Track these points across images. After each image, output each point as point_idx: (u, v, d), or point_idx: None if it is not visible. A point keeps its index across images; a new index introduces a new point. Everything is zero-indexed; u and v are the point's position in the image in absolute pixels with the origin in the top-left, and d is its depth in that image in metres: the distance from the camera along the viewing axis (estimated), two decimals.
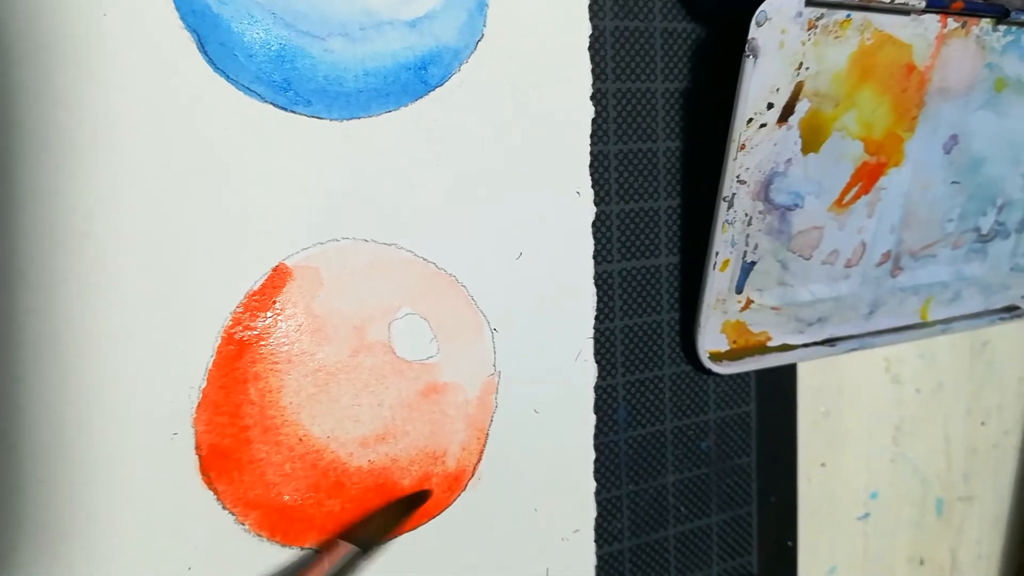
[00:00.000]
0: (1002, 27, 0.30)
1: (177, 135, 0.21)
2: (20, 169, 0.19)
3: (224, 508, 0.22)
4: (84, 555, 0.21)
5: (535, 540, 0.27)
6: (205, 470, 0.22)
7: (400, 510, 0.24)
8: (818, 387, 0.33)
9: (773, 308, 0.30)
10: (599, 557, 0.28)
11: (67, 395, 0.20)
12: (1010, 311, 0.37)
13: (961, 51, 0.30)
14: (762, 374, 0.31)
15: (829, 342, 0.32)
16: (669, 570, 0.30)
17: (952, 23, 0.29)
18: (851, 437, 0.34)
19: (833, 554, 0.34)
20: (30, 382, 0.20)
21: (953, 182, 0.32)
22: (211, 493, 0.22)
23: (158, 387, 0.21)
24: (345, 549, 0.22)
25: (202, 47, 0.21)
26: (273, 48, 0.22)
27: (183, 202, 0.21)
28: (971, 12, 0.29)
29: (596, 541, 0.28)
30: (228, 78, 0.21)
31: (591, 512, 0.27)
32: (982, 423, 0.38)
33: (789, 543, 0.33)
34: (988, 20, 0.30)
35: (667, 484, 0.29)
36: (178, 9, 0.21)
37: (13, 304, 0.19)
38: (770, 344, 0.31)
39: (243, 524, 0.22)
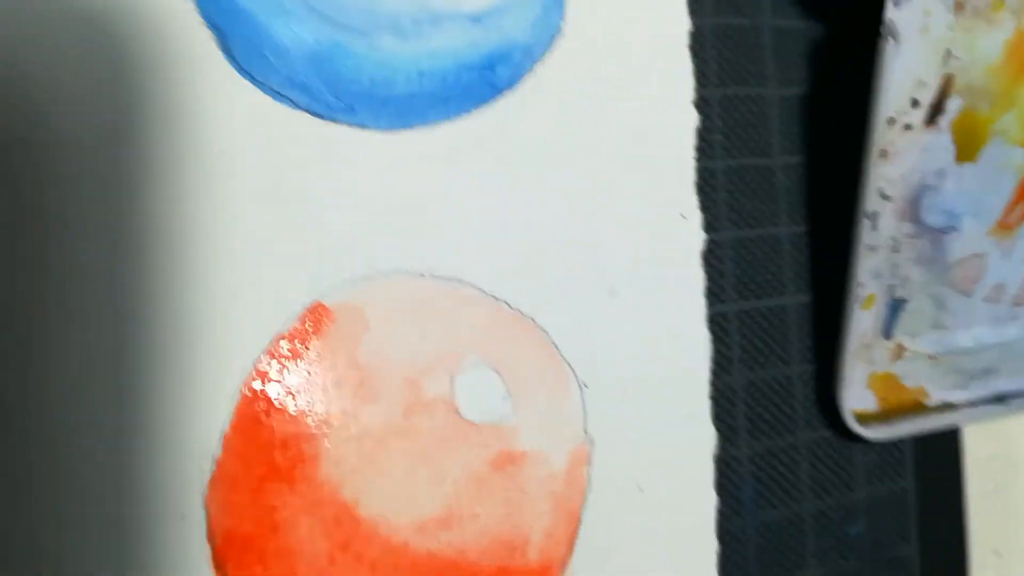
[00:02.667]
0: None
1: (193, 147, 0.17)
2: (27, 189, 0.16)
3: None
4: None
5: None
6: (219, 563, 0.17)
7: None
8: (988, 457, 0.27)
9: (929, 357, 0.25)
10: None
11: (56, 466, 0.16)
12: None
13: None
14: (920, 440, 0.25)
15: (999, 399, 0.26)
16: None
17: None
18: None
19: None
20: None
21: None
22: None
23: (161, 457, 0.17)
24: None
25: (225, 45, 0.18)
26: (309, 45, 0.18)
27: (197, 227, 0.17)
28: None
29: None
30: (255, 81, 0.18)
31: None
32: None
33: None
34: None
35: None
36: (199, 8, 0.17)
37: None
38: (928, 403, 0.25)
39: None
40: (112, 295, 0.17)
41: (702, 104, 0.22)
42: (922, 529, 0.25)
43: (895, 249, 0.23)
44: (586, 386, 0.21)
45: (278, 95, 0.18)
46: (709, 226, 0.22)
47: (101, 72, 0.17)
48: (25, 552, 0.16)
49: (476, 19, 0.20)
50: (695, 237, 0.22)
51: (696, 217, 0.22)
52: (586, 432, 0.20)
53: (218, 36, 0.18)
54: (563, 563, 0.20)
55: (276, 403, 0.18)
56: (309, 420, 0.18)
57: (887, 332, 0.24)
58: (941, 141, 0.23)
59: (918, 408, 0.25)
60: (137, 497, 0.17)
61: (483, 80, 0.20)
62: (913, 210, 0.23)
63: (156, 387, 0.17)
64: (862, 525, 0.24)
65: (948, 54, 0.22)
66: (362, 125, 0.19)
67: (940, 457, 0.26)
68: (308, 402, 0.18)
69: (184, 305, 0.17)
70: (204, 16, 0.18)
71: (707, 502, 0.22)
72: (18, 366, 0.16)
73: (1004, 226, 0.25)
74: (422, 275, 0.19)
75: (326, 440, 0.18)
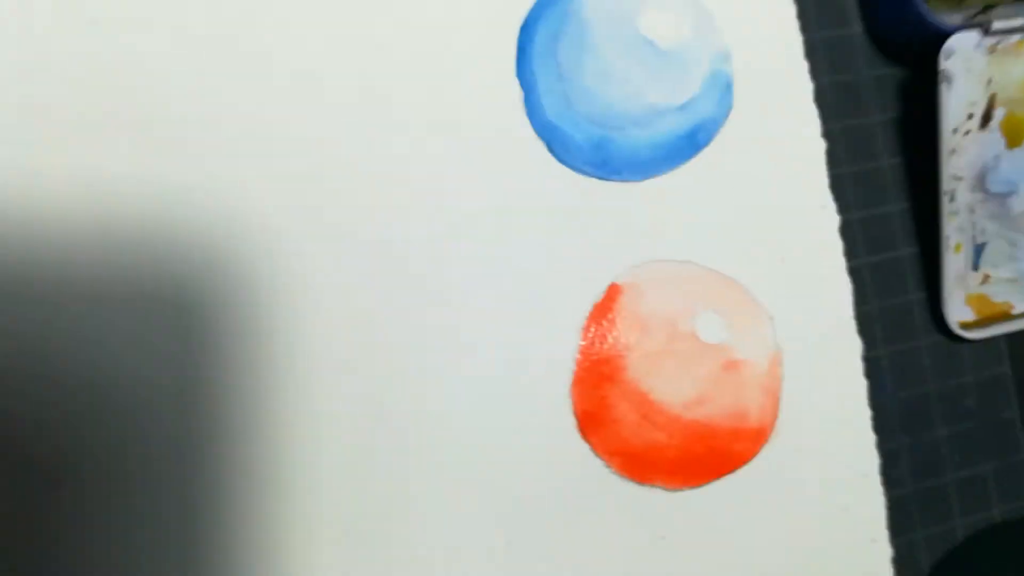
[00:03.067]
0: None
1: (537, 205, 0.32)
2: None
3: (596, 456, 0.32)
4: (494, 492, 0.31)
5: (830, 484, 0.34)
6: (581, 428, 0.32)
7: None
8: None
9: (1009, 280, 0.36)
10: (888, 499, 0.34)
11: (485, 376, 0.31)
12: None
13: None
14: (1013, 337, 0.36)
15: None
16: (953, 512, 0.35)
17: None
18: None
19: None
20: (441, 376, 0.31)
21: None
22: (587, 444, 0.32)
23: (544, 372, 0.31)
24: None
25: (550, 149, 0.32)
26: (593, 141, 0.32)
27: (549, 250, 0.32)
28: None
29: (883, 485, 0.34)
30: (567, 165, 0.32)
31: (875, 459, 0.34)
32: None
33: None
34: None
35: (939, 437, 0.35)
36: (533, 126, 0.32)
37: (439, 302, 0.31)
38: (1014, 312, 0.36)
39: (609, 467, 0.32)
40: (529, 288, 0.31)
41: (827, 133, 0.35)
42: (1020, 399, 0.36)
43: (972, 211, 0.35)
44: (773, 317, 0.34)
45: (580, 170, 0.32)
46: (842, 210, 0.35)
47: (474, 168, 0.32)
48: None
49: (682, 108, 0.33)
50: (832, 219, 0.34)
51: (832, 207, 0.34)
52: (777, 345, 0.34)
53: (547, 144, 0.32)
54: (771, 426, 0.33)
55: (600, 339, 0.32)
56: (619, 347, 0.32)
57: (975, 266, 0.35)
58: (993, 137, 0.34)
59: (1006, 316, 0.36)
60: (534, 392, 0.31)
61: (690, 144, 0.33)
62: (981, 183, 0.35)
63: (543, 331, 0.31)
64: (973, 399, 0.36)
65: (989, 81, 0.34)
66: (625, 180, 0.33)
67: None
68: (616, 337, 0.32)
69: (555, 291, 0.32)
70: (537, 133, 0.32)
71: (860, 386, 0.34)
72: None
73: None
74: (668, 260, 0.33)
75: (629, 358, 0.32)
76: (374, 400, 0.30)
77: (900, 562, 0.34)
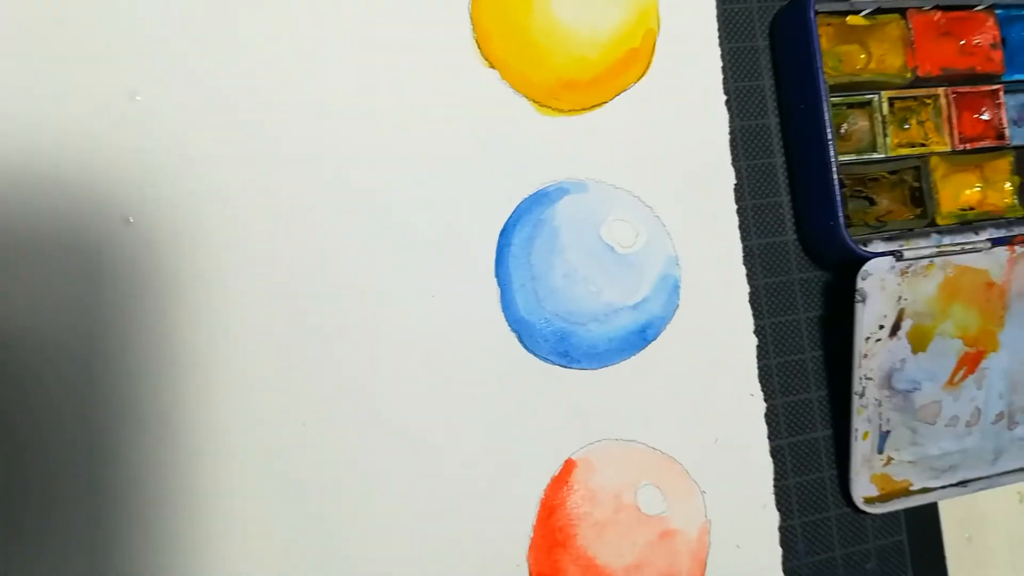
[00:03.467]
0: None
1: (506, 391, 0.37)
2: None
3: None
4: None
5: None
6: None
7: None
8: (961, 518, 0.44)
9: (910, 462, 0.41)
10: None
11: (450, 543, 0.36)
12: None
13: None
14: (909, 511, 0.42)
15: (962, 484, 0.42)
16: None
17: (1019, 249, 0.41)
18: (996, 558, 0.44)
19: None
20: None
21: None
22: None
23: (507, 535, 0.36)
24: None
25: (520, 340, 0.37)
26: (558, 334, 0.37)
27: (515, 427, 0.37)
28: None
29: None
30: (534, 354, 0.37)
31: None
32: None
33: None
34: None
35: None
36: (506, 320, 0.37)
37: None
38: (912, 488, 0.42)
39: None
40: (481, 464, 0.36)
41: (759, 330, 0.40)
42: (914, 565, 0.42)
43: (879, 405, 0.40)
44: (704, 492, 0.39)
45: (545, 359, 0.37)
46: (768, 397, 0.40)
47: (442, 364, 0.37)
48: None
49: (635, 307, 0.39)
50: (759, 406, 0.40)
51: (759, 395, 0.40)
52: (706, 517, 0.39)
53: (517, 335, 0.37)
54: None
55: (555, 509, 0.37)
56: (571, 517, 0.37)
57: (880, 450, 0.41)
58: (901, 344, 0.40)
59: (905, 492, 0.42)
60: (497, 555, 0.36)
61: (640, 338, 0.39)
62: (888, 382, 0.40)
63: (504, 502, 0.36)
64: (874, 563, 0.42)
65: (900, 298, 0.39)
66: (583, 368, 0.38)
67: (924, 520, 0.43)
68: (570, 507, 0.37)
69: (516, 465, 0.36)
70: (510, 326, 0.37)
71: (776, 552, 0.39)
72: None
73: (952, 383, 0.41)
74: (617, 439, 0.38)
75: (579, 526, 0.37)
76: (324, 542, 0.34)
77: None
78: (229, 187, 0.34)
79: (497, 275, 0.37)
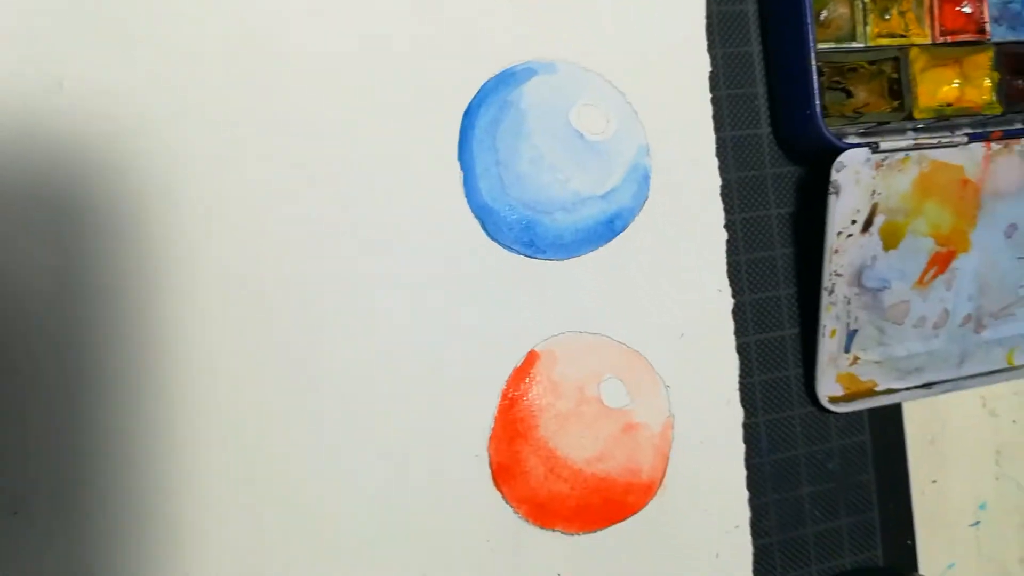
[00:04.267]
0: None
1: (469, 277, 0.36)
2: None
3: (506, 503, 0.36)
4: (416, 529, 0.35)
5: (706, 533, 0.39)
6: (495, 478, 0.36)
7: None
8: (924, 420, 0.43)
9: (876, 362, 0.41)
10: (755, 547, 0.39)
11: (413, 430, 0.35)
12: None
13: (1007, 163, 0.40)
14: (873, 411, 0.42)
15: (927, 386, 0.42)
16: (810, 560, 0.41)
17: (996, 146, 0.40)
18: (956, 459, 0.44)
19: (951, 553, 0.44)
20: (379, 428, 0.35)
21: (1019, 258, 0.42)
22: (499, 493, 0.36)
23: (466, 427, 0.35)
24: None
25: (484, 228, 0.36)
26: (523, 223, 0.36)
27: (478, 318, 0.35)
28: (1010, 137, 0.40)
29: (751, 535, 0.39)
30: (499, 243, 0.36)
31: (746, 513, 0.39)
32: None
33: (909, 542, 0.43)
34: None
35: (803, 495, 0.41)
36: (470, 206, 0.36)
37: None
38: (877, 389, 0.41)
39: (517, 514, 0.36)
40: (451, 356, 0.35)
41: (729, 224, 0.39)
42: (875, 465, 0.42)
43: (848, 302, 0.40)
44: (669, 387, 0.38)
45: (510, 248, 0.36)
46: (736, 293, 0.39)
47: (404, 247, 0.35)
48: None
49: (603, 196, 0.37)
50: (727, 301, 0.39)
51: (727, 290, 0.39)
52: (670, 411, 0.38)
53: (480, 223, 0.36)
54: (660, 481, 0.38)
55: (516, 400, 0.36)
56: (533, 408, 0.36)
57: (847, 349, 0.40)
58: (873, 240, 0.39)
59: (870, 393, 0.41)
60: (457, 445, 0.35)
61: (608, 229, 0.37)
62: (857, 279, 0.40)
63: (465, 393, 0.35)
64: (836, 462, 0.41)
65: (873, 192, 0.38)
66: (549, 259, 0.37)
67: (887, 421, 0.42)
68: (531, 399, 0.36)
69: (477, 356, 0.35)
70: (473, 212, 0.36)
71: (739, 449, 0.39)
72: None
73: (921, 283, 0.41)
74: (582, 332, 0.37)
75: (541, 417, 0.36)
76: (295, 448, 0.33)
77: None
78: (169, 166, 0.32)
79: (460, 158, 0.35)
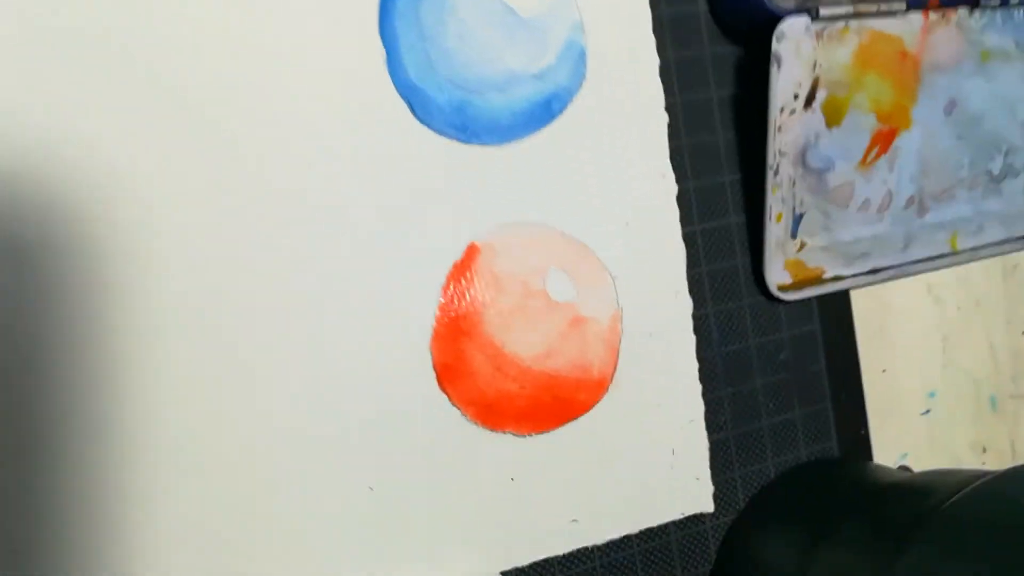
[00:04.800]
0: (976, 12, 0.40)
1: (398, 166, 0.33)
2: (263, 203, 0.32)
3: (453, 405, 0.33)
4: (360, 438, 0.32)
5: (661, 429, 0.37)
6: (440, 380, 0.33)
7: None
8: (872, 309, 0.43)
9: (823, 248, 0.40)
10: (711, 442, 0.38)
11: (350, 332, 0.32)
12: None
13: (945, 35, 0.39)
14: (822, 299, 0.41)
15: (873, 272, 0.41)
16: (766, 453, 0.40)
17: (933, 15, 0.39)
18: (905, 348, 0.44)
19: (903, 442, 0.43)
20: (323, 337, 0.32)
21: (959, 137, 0.42)
22: (444, 395, 0.33)
23: (406, 327, 0.33)
24: None
25: (412, 109, 0.33)
26: (454, 104, 0.33)
27: (410, 210, 0.33)
28: (947, 6, 0.39)
29: (706, 429, 0.38)
30: (429, 127, 0.33)
31: (700, 407, 0.38)
32: (1023, 332, 0.47)
33: (862, 432, 0.42)
34: (964, 8, 0.39)
35: (756, 387, 0.39)
36: (395, 86, 0.33)
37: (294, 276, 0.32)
38: (825, 276, 0.40)
39: (465, 416, 0.34)
40: (384, 247, 0.32)
41: (670, 107, 0.37)
42: (826, 354, 0.41)
43: (793, 184, 0.38)
44: (615, 277, 0.36)
45: (441, 132, 0.33)
46: (680, 179, 0.37)
47: (332, 128, 0.32)
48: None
49: (538, 76, 0.35)
50: (671, 188, 0.37)
51: (670, 176, 0.37)
52: (618, 304, 0.36)
53: (408, 104, 0.33)
54: (611, 377, 0.36)
55: (458, 296, 0.33)
56: (476, 304, 0.34)
57: (793, 234, 0.39)
58: (815, 117, 0.38)
59: (818, 280, 0.40)
60: (397, 347, 0.33)
61: (546, 111, 0.35)
62: (802, 159, 0.38)
63: (401, 291, 0.33)
64: (787, 353, 0.40)
65: (815, 64, 0.37)
66: (484, 144, 0.34)
67: (836, 309, 0.41)
68: (474, 295, 0.34)
69: (413, 251, 0.33)
70: (400, 92, 0.33)
71: (690, 341, 0.37)
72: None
73: (864, 163, 0.40)
74: (523, 222, 0.35)
75: (485, 314, 0.34)
76: (228, 352, 0.30)
77: (720, 497, 0.38)
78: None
79: (382, 34, 0.32)
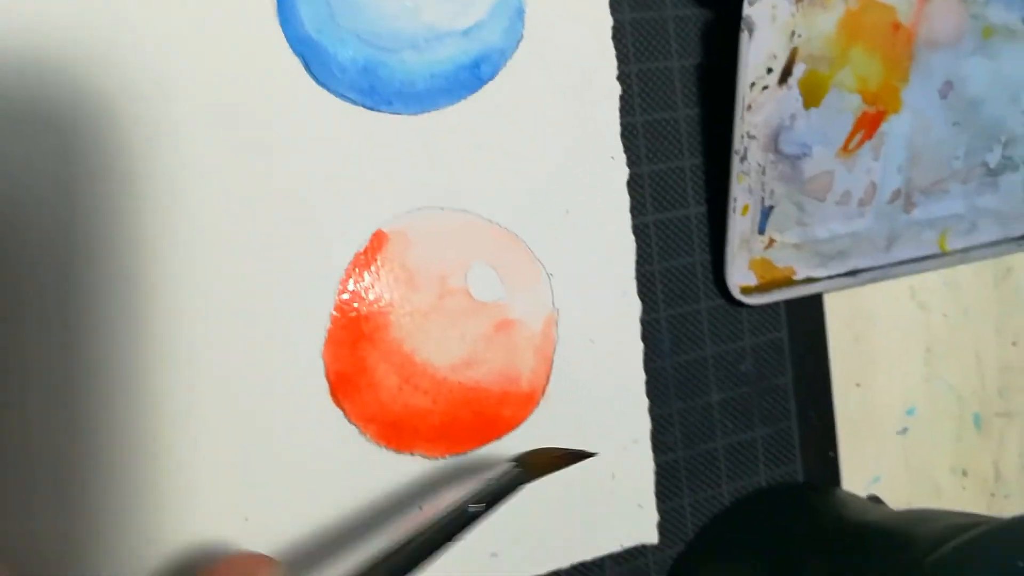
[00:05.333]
0: None
1: (291, 136, 0.27)
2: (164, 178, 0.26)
3: (350, 422, 0.28)
4: (235, 458, 0.27)
5: (601, 450, 0.32)
6: (333, 392, 0.28)
7: (566, 459, 0.29)
8: (848, 315, 0.38)
9: (795, 246, 0.35)
10: (657, 465, 0.33)
11: (228, 337, 0.27)
12: None
13: (944, 6, 0.34)
14: (791, 304, 0.36)
15: (851, 273, 0.37)
16: (720, 477, 0.35)
17: None
18: (883, 359, 0.39)
19: (876, 465, 0.39)
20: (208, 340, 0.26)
21: (954, 123, 0.37)
22: (339, 411, 0.28)
23: (295, 329, 0.27)
24: (508, 468, 0.27)
25: (307, 67, 0.27)
26: (360, 63, 0.28)
27: (305, 188, 0.27)
28: None
29: (653, 450, 0.33)
30: (328, 89, 0.28)
31: (646, 425, 0.33)
32: (1013, 343, 0.42)
33: (831, 454, 0.37)
34: None
35: (712, 402, 0.35)
36: (287, 39, 0.27)
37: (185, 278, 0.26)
38: (795, 277, 0.36)
39: (365, 435, 0.28)
40: (270, 237, 0.27)
41: (623, 77, 0.32)
42: (794, 366, 0.36)
43: (762, 172, 0.33)
44: (552, 275, 0.31)
45: (343, 96, 0.28)
46: (632, 163, 0.32)
47: (217, 91, 0.27)
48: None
49: (465, 33, 0.29)
50: (621, 172, 0.32)
51: (622, 158, 0.32)
52: (554, 305, 0.31)
53: (303, 61, 0.27)
54: (543, 390, 0.31)
55: (360, 293, 0.28)
56: (381, 303, 0.28)
57: (761, 229, 0.34)
58: (791, 94, 0.33)
59: (788, 282, 0.35)
60: (282, 354, 0.27)
61: (473, 76, 0.30)
62: (774, 144, 0.33)
63: (290, 286, 0.27)
64: (749, 364, 0.35)
65: (793, 33, 0.32)
66: (396, 112, 0.29)
67: (807, 315, 0.37)
68: (379, 292, 0.28)
69: (302, 238, 0.27)
70: (293, 49, 0.27)
71: (637, 349, 0.32)
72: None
73: (846, 150, 0.35)
74: (442, 208, 0.29)
75: (392, 315, 0.29)
76: (81, 353, 0.25)
77: (666, 527, 0.34)
78: None
79: None
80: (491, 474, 0.27)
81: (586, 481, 0.32)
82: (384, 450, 0.29)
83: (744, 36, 0.30)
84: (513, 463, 0.28)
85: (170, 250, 0.26)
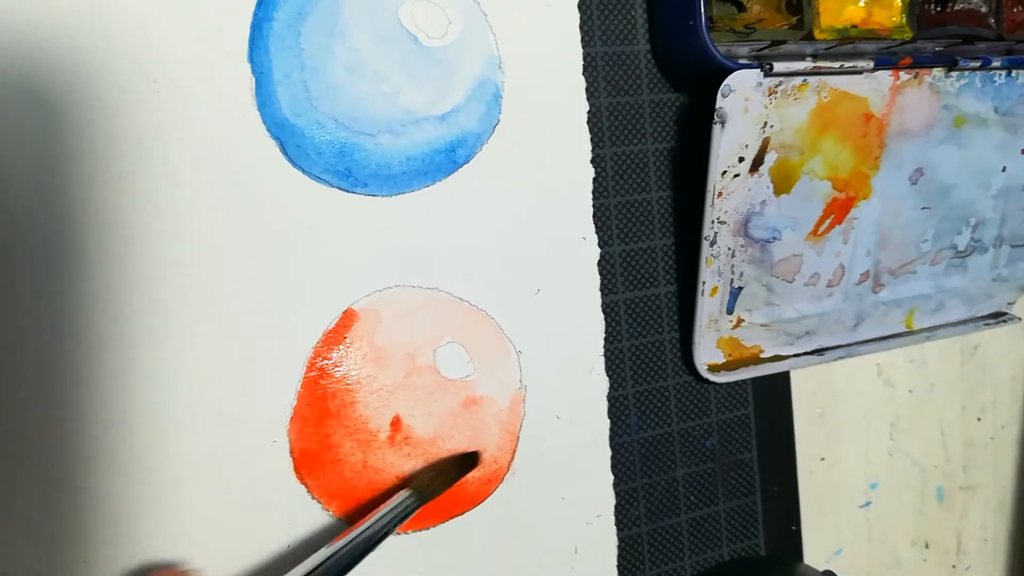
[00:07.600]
0: (954, 73, 0.35)
1: (268, 217, 0.28)
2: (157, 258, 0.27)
3: (313, 499, 0.29)
4: (201, 537, 0.27)
5: (563, 525, 0.33)
6: (298, 468, 0.28)
7: (455, 468, 0.30)
8: (813, 391, 0.38)
9: (763, 325, 0.36)
10: (620, 539, 0.34)
11: (194, 410, 0.27)
12: (996, 317, 0.41)
13: (916, 97, 0.35)
14: (758, 381, 0.36)
15: (818, 352, 0.37)
16: (683, 551, 0.35)
17: (904, 75, 0.34)
18: (848, 434, 0.39)
19: (838, 538, 0.39)
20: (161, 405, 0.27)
21: (923, 208, 0.37)
22: (303, 487, 0.28)
23: (261, 405, 0.28)
24: (403, 495, 0.28)
25: (284, 150, 0.28)
26: (336, 146, 0.28)
27: (278, 267, 0.28)
28: (920, 65, 0.34)
29: (616, 525, 0.33)
30: (304, 171, 0.28)
31: (610, 500, 0.33)
32: (978, 419, 0.42)
33: (793, 528, 0.38)
34: (939, 69, 0.35)
35: (677, 477, 0.35)
36: (264, 122, 0.28)
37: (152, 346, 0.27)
38: (763, 356, 0.36)
39: (328, 511, 0.29)
40: (238, 312, 0.27)
41: (598, 160, 0.33)
42: (759, 442, 0.37)
43: (732, 255, 0.34)
44: (521, 352, 0.32)
45: (319, 179, 0.28)
46: (604, 243, 0.33)
47: (196, 174, 0.27)
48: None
49: (443, 118, 0.30)
50: (593, 251, 0.32)
51: (593, 238, 0.32)
52: (521, 382, 0.32)
53: (279, 144, 0.28)
54: (508, 466, 0.32)
55: (327, 371, 0.29)
56: (348, 381, 0.29)
57: (730, 309, 0.35)
58: (762, 182, 0.33)
59: (755, 360, 0.36)
60: (246, 430, 0.28)
61: (448, 159, 0.30)
62: (744, 228, 0.34)
63: (257, 363, 0.28)
64: (715, 440, 0.36)
65: (765, 124, 0.32)
66: (372, 194, 0.29)
67: (773, 391, 0.37)
68: (346, 369, 0.29)
69: (272, 315, 0.28)
70: (269, 132, 0.28)
71: (603, 425, 0.33)
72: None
73: (816, 234, 0.35)
74: (413, 286, 0.30)
75: (359, 392, 0.29)
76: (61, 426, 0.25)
77: None
78: None
79: (252, 60, 0.27)
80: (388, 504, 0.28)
81: (548, 556, 0.32)
82: (347, 526, 0.29)
83: (717, 128, 0.31)
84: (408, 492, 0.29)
85: (145, 327, 0.26)
